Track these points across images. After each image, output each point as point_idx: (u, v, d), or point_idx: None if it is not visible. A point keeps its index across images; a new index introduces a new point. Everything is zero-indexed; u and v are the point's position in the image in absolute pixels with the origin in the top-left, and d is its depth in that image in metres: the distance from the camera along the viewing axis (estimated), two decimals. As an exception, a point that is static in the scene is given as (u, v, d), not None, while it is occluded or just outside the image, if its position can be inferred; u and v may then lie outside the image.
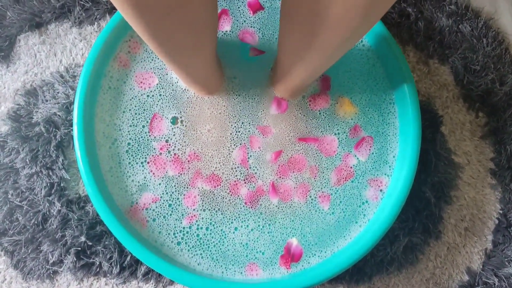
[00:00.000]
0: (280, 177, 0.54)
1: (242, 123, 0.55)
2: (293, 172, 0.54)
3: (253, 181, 0.54)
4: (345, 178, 0.54)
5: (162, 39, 0.37)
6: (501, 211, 0.61)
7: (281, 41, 0.45)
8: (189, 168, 0.54)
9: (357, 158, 0.55)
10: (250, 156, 0.55)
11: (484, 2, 0.66)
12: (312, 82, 0.55)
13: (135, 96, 0.56)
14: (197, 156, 0.54)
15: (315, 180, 0.54)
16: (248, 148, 0.54)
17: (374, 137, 0.55)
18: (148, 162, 0.54)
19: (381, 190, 0.54)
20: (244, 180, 0.54)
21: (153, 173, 0.54)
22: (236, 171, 0.54)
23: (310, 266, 0.51)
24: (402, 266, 0.59)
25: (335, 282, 0.58)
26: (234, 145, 0.55)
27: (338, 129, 0.56)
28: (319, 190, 0.54)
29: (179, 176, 0.54)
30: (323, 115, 0.56)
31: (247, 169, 0.54)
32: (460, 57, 0.63)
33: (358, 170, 0.54)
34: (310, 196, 0.54)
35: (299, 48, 0.41)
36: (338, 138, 0.55)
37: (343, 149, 0.55)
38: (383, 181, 0.54)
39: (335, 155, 0.55)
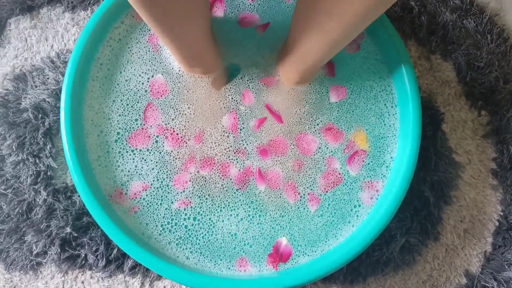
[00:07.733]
0: (263, 157, 0.52)
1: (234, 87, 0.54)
2: (276, 155, 0.52)
3: (241, 158, 0.52)
4: (334, 183, 0.52)
5: (154, 7, 0.37)
6: (501, 213, 0.59)
7: (297, 17, 0.44)
8: (185, 152, 0.52)
9: (348, 172, 0.53)
10: (240, 117, 0.53)
11: (489, -2, 0.64)
12: (321, 66, 0.53)
13: (126, 83, 0.54)
14: (199, 137, 0.52)
15: (298, 175, 0.52)
16: (239, 102, 0.53)
17: (367, 151, 0.53)
18: (131, 144, 0.52)
19: (376, 191, 0.52)
20: (234, 153, 0.52)
21: (139, 152, 0.52)
22: (227, 138, 0.53)
23: (299, 265, 0.49)
24: (399, 267, 0.57)
25: (329, 282, 0.56)
26: (226, 110, 0.53)
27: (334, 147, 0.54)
28: (307, 187, 0.52)
29: (173, 160, 0.52)
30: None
31: (236, 135, 0.52)
32: (463, 53, 0.61)
33: (347, 175, 0.52)
34: (299, 193, 0.52)
35: (319, 22, 0.40)
36: (323, 146, 0.53)
37: (326, 154, 0.53)
38: (379, 182, 0.52)
39: (313, 156, 0.53)
